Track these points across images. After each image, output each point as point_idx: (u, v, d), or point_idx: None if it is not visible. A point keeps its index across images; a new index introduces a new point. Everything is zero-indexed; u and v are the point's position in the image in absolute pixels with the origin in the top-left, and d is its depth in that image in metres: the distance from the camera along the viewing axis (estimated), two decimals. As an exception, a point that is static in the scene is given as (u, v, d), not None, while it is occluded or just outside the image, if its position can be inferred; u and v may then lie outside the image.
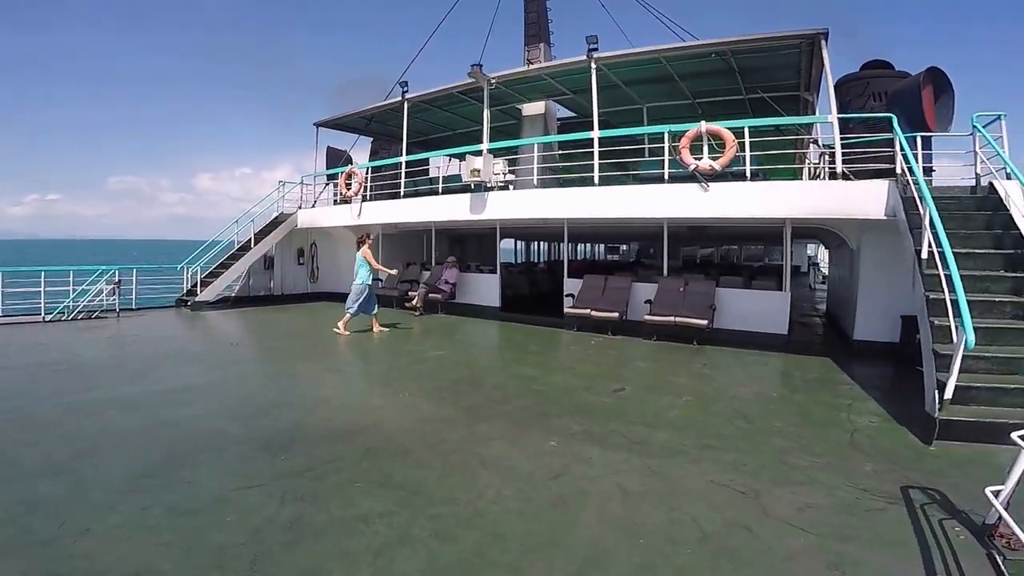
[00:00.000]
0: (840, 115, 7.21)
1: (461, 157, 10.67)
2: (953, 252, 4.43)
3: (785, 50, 8.32)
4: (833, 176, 7.03)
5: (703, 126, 7.59)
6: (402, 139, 11.57)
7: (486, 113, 10.01)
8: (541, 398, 5.00)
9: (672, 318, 7.86)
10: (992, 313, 4.63)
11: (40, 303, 9.45)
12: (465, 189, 9.81)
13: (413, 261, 12.82)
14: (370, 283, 8.43)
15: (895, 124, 6.54)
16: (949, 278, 4.34)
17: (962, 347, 3.80)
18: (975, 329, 3.74)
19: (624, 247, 28.18)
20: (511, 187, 9.75)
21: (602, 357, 7.14)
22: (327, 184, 13.76)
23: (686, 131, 7.72)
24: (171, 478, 3.16)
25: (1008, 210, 5.42)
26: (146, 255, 64.66)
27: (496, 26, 15.02)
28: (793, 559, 2.39)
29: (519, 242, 22.28)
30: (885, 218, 6.43)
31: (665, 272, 9.37)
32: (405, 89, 11.10)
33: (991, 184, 5.94)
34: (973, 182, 6.41)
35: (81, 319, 9.65)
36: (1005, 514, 2.36)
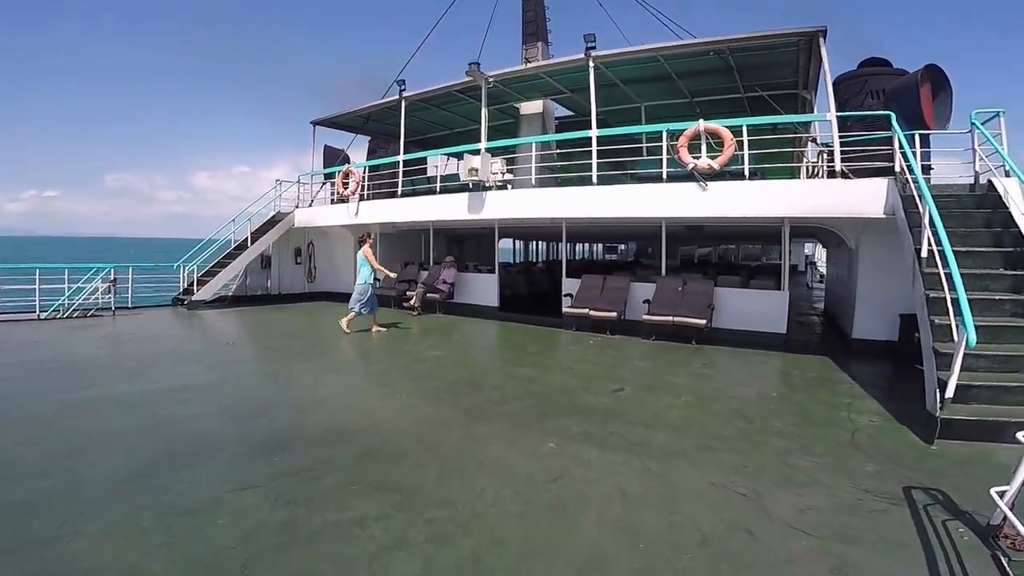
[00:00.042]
0: (839, 113, 7.19)
1: (459, 156, 10.63)
2: (953, 250, 4.41)
3: (783, 48, 8.29)
4: (832, 175, 7.00)
5: (701, 125, 7.56)
6: (400, 138, 11.50)
7: (484, 112, 9.96)
8: (540, 399, 4.96)
9: (671, 318, 7.83)
10: (992, 311, 4.61)
11: (35, 301, 9.39)
12: (463, 188, 9.76)
13: (411, 261, 12.77)
14: (371, 283, 8.38)
15: (894, 122, 6.51)
16: (949, 276, 4.32)
17: (963, 345, 3.78)
18: (975, 327, 3.71)
19: (622, 247, 28.18)
20: (509, 186, 9.71)
21: (601, 357, 7.11)
22: (324, 183, 13.70)
23: (684, 130, 7.69)
24: (164, 479, 3.12)
25: (1007, 208, 5.40)
26: (144, 253, 64.46)
27: (494, 24, 14.98)
28: (795, 562, 2.35)
29: (517, 242, 22.24)
30: (884, 217, 6.40)
31: (663, 272, 9.34)
32: (402, 88, 11.05)
33: (990, 182, 5.92)
34: (972, 180, 6.39)
35: (76, 317, 9.59)
36: (1011, 515, 2.33)
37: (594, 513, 2.79)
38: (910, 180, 5.91)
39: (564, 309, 9.14)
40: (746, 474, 3.28)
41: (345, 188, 11.53)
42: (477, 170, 9.09)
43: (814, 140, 9.30)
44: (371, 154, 14.50)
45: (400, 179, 11.17)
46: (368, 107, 12.22)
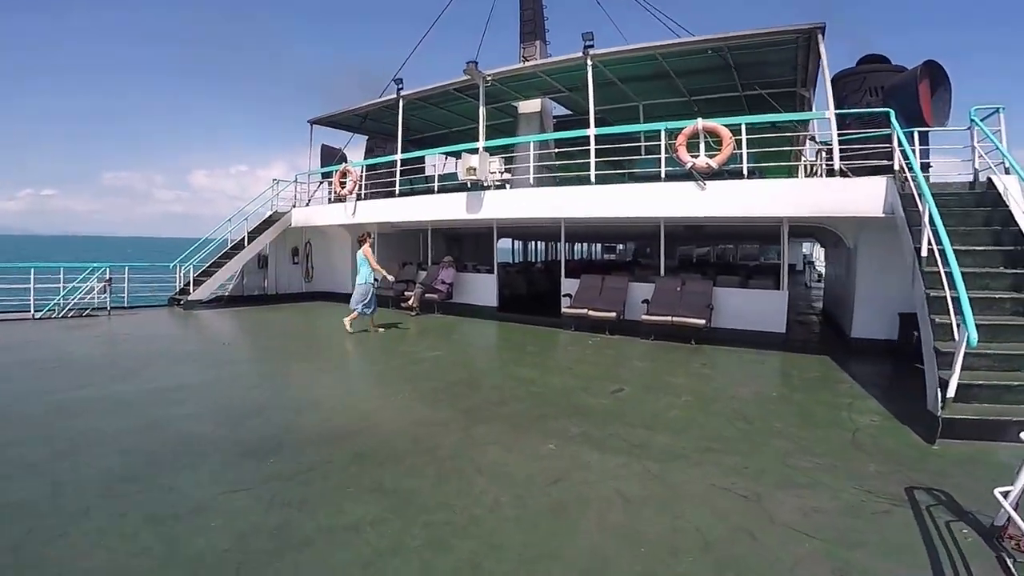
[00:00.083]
0: (837, 111, 7.15)
1: (457, 155, 10.58)
2: (953, 249, 4.38)
3: (782, 45, 8.26)
4: (831, 173, 6.97)
5: (700, 123, 7.52)
6: (397, 137, 11.44)
7: (482, 111, 9.91)
8: (539, 400, 4.92)
9: (669, 318, 7.80)
10: (992, 310, 4.58)
11: (30, 300, 9.32)
12: (461, 188, 9.71)
13: (409, 261, 12.71)
14: (372, 282, 8.33)
15: (893, 119, 6.48)
16: (949, 275, 4.29)
17: (964, 344, 3.75)
18: (976, 326, 3.68)
19: (620, 246, 28.16)
20: (507, 186, 9.66)
21: (600, 357, 7.07)
22: (321, 183, 13.63)
23: (683, 129, 7.65)
24: (157, 480, 3.08)
25: (1007, 206, 5.38)
26: (141, 252, 64.27)
27: (492, 23, 14.93)
28: (799, 566, 2.32)
29: (516, 241, 22.20)
30: (883, 215, 6.37)
31: (662, 271, 9.31)
32: (400, 86, 10.99)
33: (989, 179, 5.89)
34: (971, 178, 6.37)
35: (72, 317, 9.53)
36: (1015, 516, 2.30)
37: (594, 517, 2.74)
38: (909, 178, 5.88)
39: (563, 309, 9.10)
40: (747, 476, 3.24)
41: (342, 187, 11.47)
42: (475, 169, 9.04)
43: (813, 138, 9.26)
44: (369, 153, 14.43)
45: (398, 178, 11.11)
46: (366, 106, 12.15)
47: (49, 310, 9.48)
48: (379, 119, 12.92)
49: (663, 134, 7.88)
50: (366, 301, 8.29)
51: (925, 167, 7.25)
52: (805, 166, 9.36)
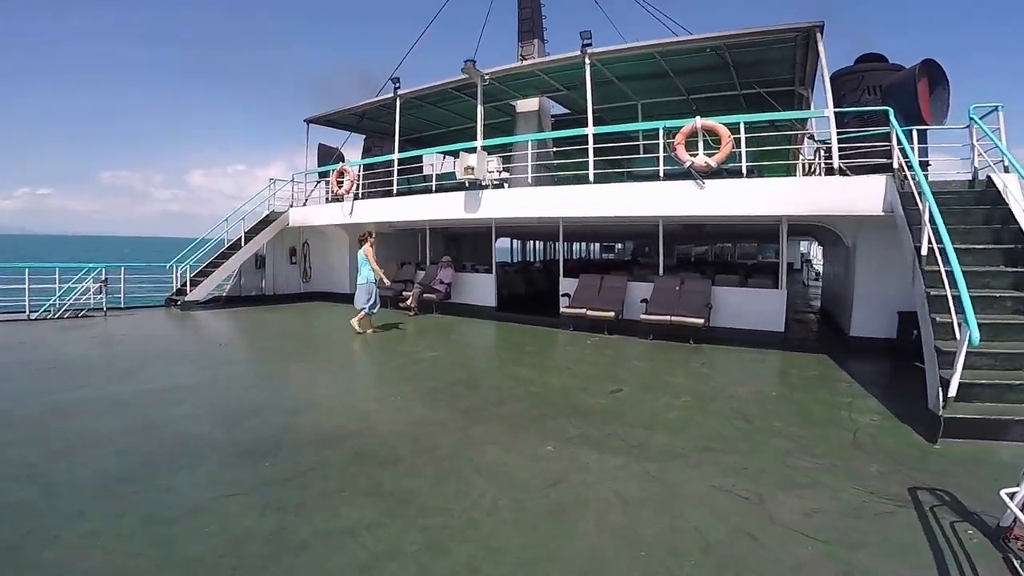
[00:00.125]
0: (837, 109, 7.13)
1: (455, 155, 10.54)
2: (953, 248, 4.35)
3: (780, 44, 8.24)
4: (830, 172, 6.95)
5: (698, 122, 7.49)
6: (395, 136, 11.39)
7: (479, 109, 9.87)
8: (537, 400, 4.88)
9: (668, 317, 7.78)
10: (993, 309, 4.55)
11: (24, 301, 9.25)
12: (459, 187, 9.67)
13: (407, 260, 12.67)
14: (374, 281, 8.28)
15: (892, 117, 6.47)
16: (950, 274, 4.26)
17: (966, 344, 3.72)
18: (978, 325, 3.65)
19: (619, 245, 28.15)
20: (506, 185, 9.62)
21: (598, 357, 7.04)
22: (319, 182, 13.58)
23: (681, 127, 7.62)
24: (153, 482, 3.04)
25: (1007, 204, 5.36)
26: (138, 252, 64.10)
27: (490, 22, 14.89)
28: (801, 569, 2.28)
29: (515, 241, 22.17)
30: (883, 214, 6.35)
31: (661, 271, 9.28)
32: (397, 85, 10.94)
33: (989, 178, 5.87)
34: (969, 176, 6.35)
35: (67, 318, 9.46)
36: (1022, 517, 2.27)
37: (593, 519, 2.71)
38: (909, 177, 5.86)
39: (562, 309, 9.07)
40: (747, 476, 3.21)
41: (340, 187, 11.43)
42: (473, 168, 9.00)
43: (812, 136, 9.24)
44: (366, 152, 14.37)
45: (395, 178, 11.06)
46: (363, 105, 12.10)
47: (44, 311, 9.42)
48: (376, 118, 12.87)
49: (661, 133, 7.85)
50: (371, 301, 8.25)
51: (924, 165, 7.23)
52: (803, 165, 9.34)
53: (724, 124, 7.38)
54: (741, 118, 7.54)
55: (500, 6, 14.47)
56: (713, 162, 7.31)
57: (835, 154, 6.89)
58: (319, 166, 13.50)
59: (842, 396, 5.04)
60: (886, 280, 7.11)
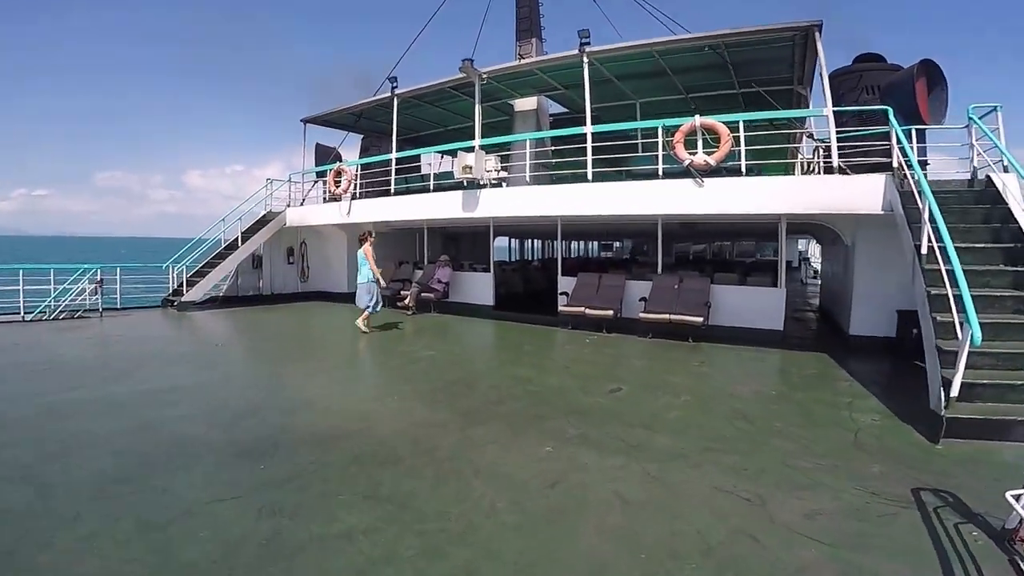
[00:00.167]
0: (836, 108, 7.11)
1: (453, 154, 10.49)
2: (953, 246, 4.33)
3: (779, 43, 8.21)
4: (829, 170, 6.92)
5: (697, 120, 7.46)
6: (392, 135, 11.34)
7: (477, 108, 9.81)
8: (536, 400, 4.85)
9: (667, 315, 7.75)
10: (994, 308, 4.53)
11: (19, 302, 9.17)
12: (457, 186, 9.62)
13: (405, 260, 12.63)
14: (374, 280, 8.23)
15: (891, 117, 6.45)
16: (951, 273, 4.24)
17: (968, 343, 3.69)
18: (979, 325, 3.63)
19: (617, 244, 28.13)
20: (504, 184, 9.58)
21: (597, 356, 7.01)
22: (316, 182, 13.52)
23: (680, 126, 7.59)
24: (148, 485, 3.00)
25: (1006, 203, 5.34)
26: (135, 253, 63.84)
27: (488, 21, 14.83)
28: (804, 571, 2.25)
29: (513, 240, 22.12)
30: (882, 212, 6.33)
31: (659, 269, 9.25)
32: (394, 84, 10.88)
33: (988, 177, 5.85)
34: (968, 176, 6.35)
35: (63, 319, 9.38)
36: (1027, 519, 2.24)
37: (593, 521, 2.67)
38: (909, 175, 5.84)
39: (560, 308, 9.04)
40: (748, 477, 3.18)
41: (337, 187, 11.37)
42: (471, 167, 8.95)
43: (811, 135, 9.22)
44: (364, 152, 14.31)
45: (393, 177, 11.01)
46: (360, 104, 12.04)
47: (40, 312, 9.34)
48: (373, 118, 12.81)
49: (660, 131, 7.81)
50: (375, 298, 8.21)
51: (922, 165, 7.21)
52: (802, 163, 9.32)
53: (723, 122, 7.35)
54: (741, 117, 7.51)
55: (498, 5, 14.44)
56: (712, 160, 7.27)
57: (835, 153, 6.86)
58: (317, 166, 13.44)
59: (842, 396, 5.01)
60: (885, 279, 7.09)
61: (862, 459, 3.46)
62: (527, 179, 9.52)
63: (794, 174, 8.79)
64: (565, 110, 12.62)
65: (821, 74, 7.30)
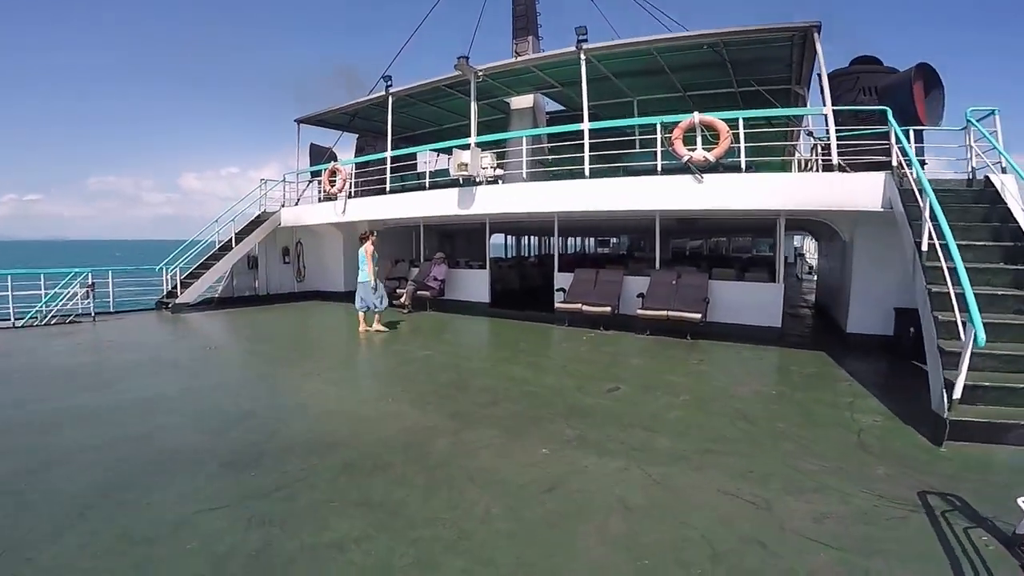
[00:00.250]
0: (835, 107, 7.06)
1: (448, 152, 10.40)
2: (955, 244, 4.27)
3: (777, 43, 8.16)
4: (828, 168, 6.88)
5: (696, 117, 7.40)
6: (387, 135, 11.23)
7: (473, 106, 9.72)
8: (533, 400, 4.76)
9: (665, 312, 7.69)
10: (995, 307, 4.46)
11: (9, 308, 8.99)
12: (453, 184, 9.53)
13: (401, 258, 12.53)
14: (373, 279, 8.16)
15: (890, 116, 6.43)
16: (952, 271, 4.19)
17: (971, 344, 3.63)
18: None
19: (614, 240, 28.07)
20: (500, 181, 9.49)
21: (595, 354, 6.93)
22: (311, 181, 13.40)
23: (678, 123, 7.53)
24: (133, 496, 2.89)
25: (1006, 203, 5.31)
26: (130, 256, 63.27)
27: (484, 20, 14.73)
28: (814, 578, 2.18)
29: (509, 237, 22.03)
30: (882, 210, 6.28)
31: (657, 264, 9.18)
32: (389, 83, 10.77)
33: (986, 178, 5.84)
34: (966, 177, 6.33)
35: (55, 324, 9.20)
36: (1039, 525, 2.18)
37: (593, 527, 2.60)
38: (908, 173, 5.81)
39: (557, 304, 8.97)
40: (753, 480, 3.11)
41: (332, 186, 11.26)
42: (467, 165, 8.86)
43: (810, 133, 9.17)
44: (359, 151, 14.19)
45: (388, 175, 10.90)
46: (354, 104, 11.91)
47: (31, 317, 9.17)
48: (368, 117, 12.69)
49: (659, 127, 7.75)
50: (380, 295, 8.19)
51: (920, 165, 7.19)
52: (800, 162, 9.28)
53: (723, 120, 7.29)
54: (740, 114, 7.45)
55: (495, 4, 14.31)
56: (711, 157, 7.22)
57: (834, 151, 6.82)
58: (311, 165, 13.32)
59: (843, 396, 4.95)
60: (883, 276, 7.06)
61: (867, 461, 3.40)
62: (524, 176, 9.44)
63: (790, 172, 8.73)
64: (562, 108, 12.54)
65: (820, 73, 7.27)
